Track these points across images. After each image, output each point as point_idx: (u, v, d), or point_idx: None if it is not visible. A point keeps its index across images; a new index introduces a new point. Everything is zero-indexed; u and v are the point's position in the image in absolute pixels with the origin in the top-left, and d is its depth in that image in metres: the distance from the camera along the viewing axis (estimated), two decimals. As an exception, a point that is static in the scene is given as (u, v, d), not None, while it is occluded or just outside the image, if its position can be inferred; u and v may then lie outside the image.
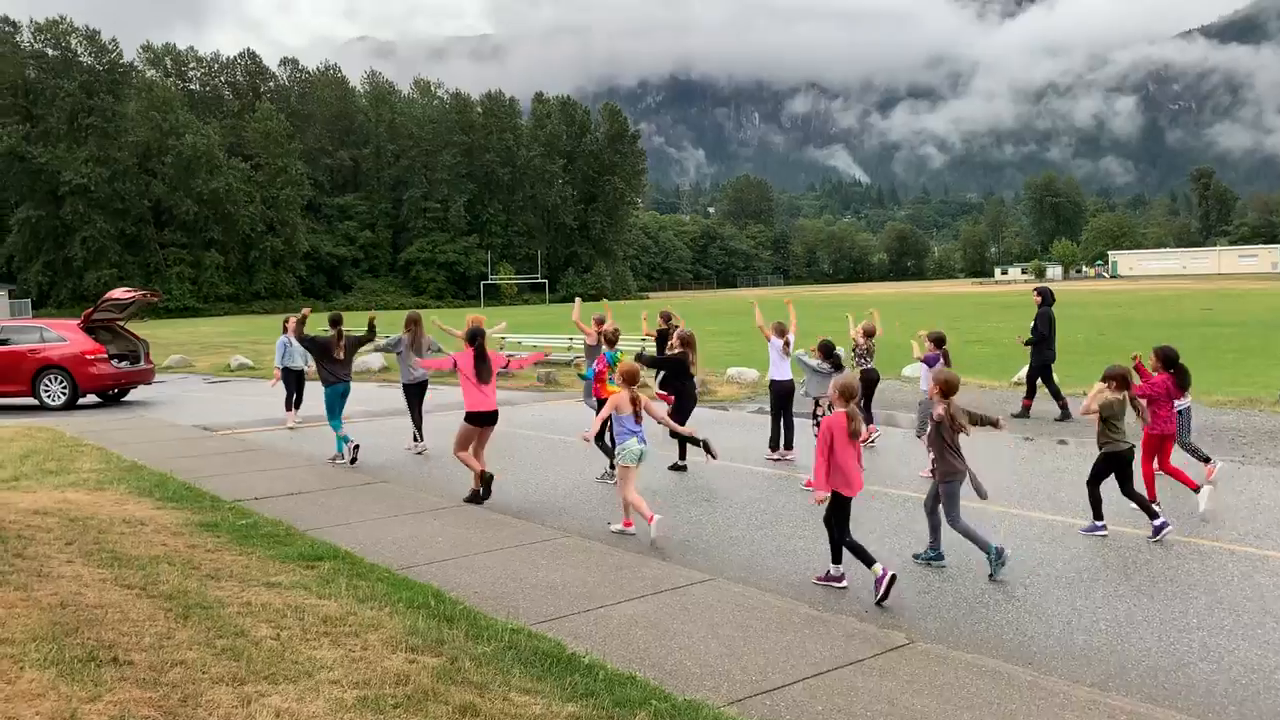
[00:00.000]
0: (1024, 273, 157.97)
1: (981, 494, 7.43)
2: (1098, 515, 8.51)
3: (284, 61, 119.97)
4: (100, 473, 11.33)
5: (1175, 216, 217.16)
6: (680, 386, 11.59)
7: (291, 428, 15.96)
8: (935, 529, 7.77)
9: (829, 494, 7.07)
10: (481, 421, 10.18)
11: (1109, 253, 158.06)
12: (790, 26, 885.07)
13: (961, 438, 7.59)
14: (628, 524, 8.86)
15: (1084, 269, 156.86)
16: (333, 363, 12.79)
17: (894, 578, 6.82)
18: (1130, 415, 8.70)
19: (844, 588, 7.19)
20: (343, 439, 12.67)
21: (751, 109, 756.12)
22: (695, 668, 5.44)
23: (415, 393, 13.65)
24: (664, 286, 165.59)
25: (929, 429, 7.71)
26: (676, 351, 11.81)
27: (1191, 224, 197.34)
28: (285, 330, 16.27)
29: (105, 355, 20.21)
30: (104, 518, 8.58)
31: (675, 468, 11.71)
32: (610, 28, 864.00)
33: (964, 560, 7.79)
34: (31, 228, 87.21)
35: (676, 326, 13.70)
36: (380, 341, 14.91)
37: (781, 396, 12.18)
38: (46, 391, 19.84)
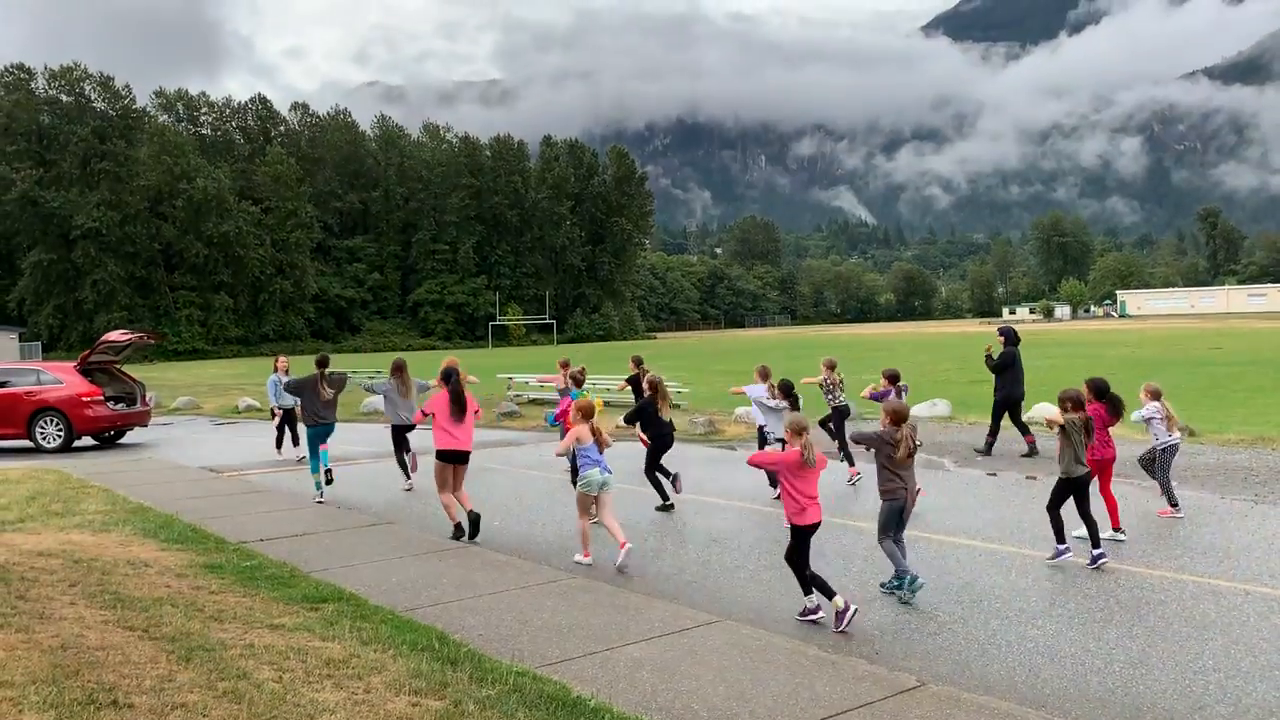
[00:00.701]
0: (1032, 312, 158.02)
1: (905, 517, 7.92)
2: (1060, 539, 8.77)
3: (294, 106, 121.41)
4: (106, 514, 11.29)
5: (1183, 256, 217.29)
6: (653, 430, 11.79)
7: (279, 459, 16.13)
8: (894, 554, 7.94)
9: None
10: (452, 460, 10.37)
11: (1117, 292, 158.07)
12: (797, 70, 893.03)
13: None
14: (623, 545, 8.99)
15: (1092, 308, 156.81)
16: (316, 403, 12.77)
17: (855, 611, 7.09)
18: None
19: (820, 618, 7.28)
20: (318, 484, 12.67)
21: (758, 151, 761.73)
22: (703, 711, 5.36)
23: (401, 434, 13.88)
24: (671, 327, 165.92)
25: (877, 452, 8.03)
26: (645, 398, 12.05)
27: (1199, 263, 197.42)
28: (276, 369, 16.84)
29: (101, 397, 20.18)
30: (108, 559, 8.53)
31: (662, 508, 11.69)
32: (618, 72, 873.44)
33: (974, 601, 7.70)
34: (43, 271, 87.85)
35: (646, 372, 13.96)
36: (367, 383, 15.25)
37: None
38: (42, 434, 19.76)
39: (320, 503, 12.52)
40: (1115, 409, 9.69)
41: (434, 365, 14.09)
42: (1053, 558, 8.74)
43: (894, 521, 7.85)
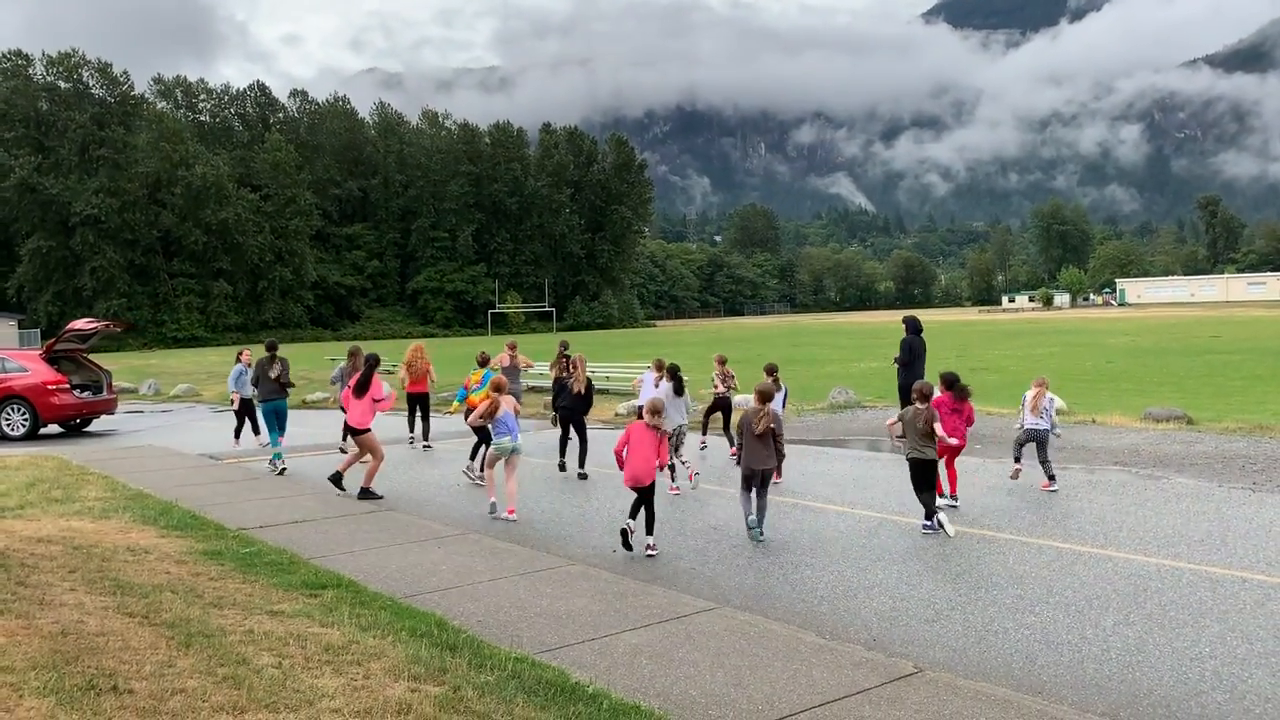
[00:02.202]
0: (1031, 300, 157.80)
1: (762, 482, 9.49)
2: (930, 515, 9.59)
3: (293, 93, 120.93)
4: (105, 501, 11.31)
5: (1182, 244, 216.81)
6: (559, 403, 13.90)
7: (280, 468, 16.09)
8: (758, 508, 9.52)
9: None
10: (351, 431, 12.33)
11: (1116, 280, 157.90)
12: (796, 57, 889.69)
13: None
14: (511, 510, 10.72)
15: (1092, 296, 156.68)
16: (267, 382, 14.52)
17: (653, 549, 9.05)
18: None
19: (655, 554, 8.99)
20: (277, 454, 14.35)
21: (757, 139, 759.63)
22: (700, 697, 5.38)
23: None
24: (671, 315, 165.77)
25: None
26: (557, 376, 14.26)
27: (1199, 251, 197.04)
28: (239, 359, 17.50)
29: (67, 385, 20.25)
30: (108, 546, 8.55)
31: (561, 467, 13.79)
32: (616, 59, 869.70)
33: (973, 589, 7.73)
34: (42, 258, 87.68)
35: (568, 356, 15.09)
36: (333, 373, 16.99)
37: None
38: (7, 422, 19.80)
39: (283, 472, 14.05)
40: (960, 394, 10.65)
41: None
42: (939, 527, 9.46)
43: (749, 483, 9.48)
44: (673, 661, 5.93)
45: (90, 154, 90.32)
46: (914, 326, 16.42)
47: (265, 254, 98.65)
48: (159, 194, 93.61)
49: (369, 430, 12.14)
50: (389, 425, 18.45)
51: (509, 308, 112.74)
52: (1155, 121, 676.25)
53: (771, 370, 12.82)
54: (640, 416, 9.46)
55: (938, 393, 10.42)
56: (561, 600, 7.27)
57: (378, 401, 12.16)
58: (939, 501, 9.89)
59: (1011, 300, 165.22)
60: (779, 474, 11.86)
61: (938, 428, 9.73)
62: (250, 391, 16.54)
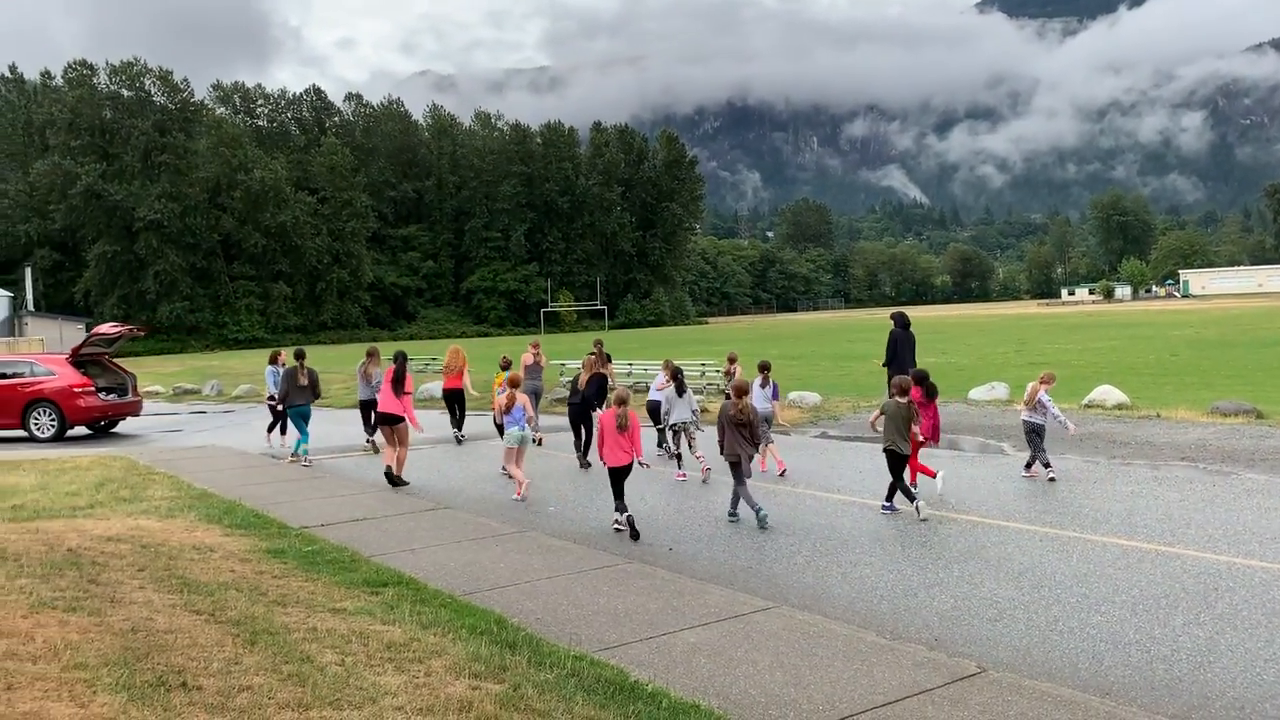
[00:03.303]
0: (1091, 293, 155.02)
1: (747, 473, 10.20)
2: (909, 496, 10.16)
3: (349, 97, 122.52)
4: (171, 500, 11.55)
5: (1249, 234, 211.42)
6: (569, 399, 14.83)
7: (274, 455, 16.69)
8: (738, 497, 10.22)
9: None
10: (385, 421, 13.33)
11: (1180, 272, 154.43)
12: (848, 50, 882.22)
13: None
14: (520, 491, 11.73)
15: (1154, 288, 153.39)
16: (295, 390, 15.32)
17: (631, 523, 9.75)
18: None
19: (622, 529, 9.81)
20: (305, 450, 15.31)
21: (810, 133, 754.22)
22: (760, 696, 5.35)
23: (367, 408, 16.62)
24: (723, 311, 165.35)
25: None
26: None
27: (1266, 241, 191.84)
28: (273, 362, 18.04)
29: (93, 388, 20.78)
30: (174, 544, 8.73)
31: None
32: (666, 56, 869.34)
33: (1036, 587, 7.60)
34: (107, 263, 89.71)
35: (601, 355, 16.04)
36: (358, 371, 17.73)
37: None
38: (36, 424, 20.37)
39: (307, 465, 14.95)
40: (929, 392, 11.39)
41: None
42: (917, 512, 10.07)
43: (738, 470, 10.13)
44: (731, 660, 5.90)
45: (152, 160, 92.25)
46: (901, 322, 16.67)
47: (323, 256, 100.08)
48: (219, 198, 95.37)
49: (403, 419, 13.29)
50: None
51: (561, 306, 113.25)
52: (1219, 108, 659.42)
53: (764, 367, 13.55)
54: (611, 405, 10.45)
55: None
56: (619, 598, 7.28)
57: (409, 394, 13.44)
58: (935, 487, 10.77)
59: (1071, 293, 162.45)
60: (764, 463, 13.07)
61: (915, 427, 10.36)
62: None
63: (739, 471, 10.15)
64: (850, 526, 9.91)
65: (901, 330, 16.41)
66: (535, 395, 17.48)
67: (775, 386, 13.59)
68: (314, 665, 5.36)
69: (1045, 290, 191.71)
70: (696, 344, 54.01)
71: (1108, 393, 18.42)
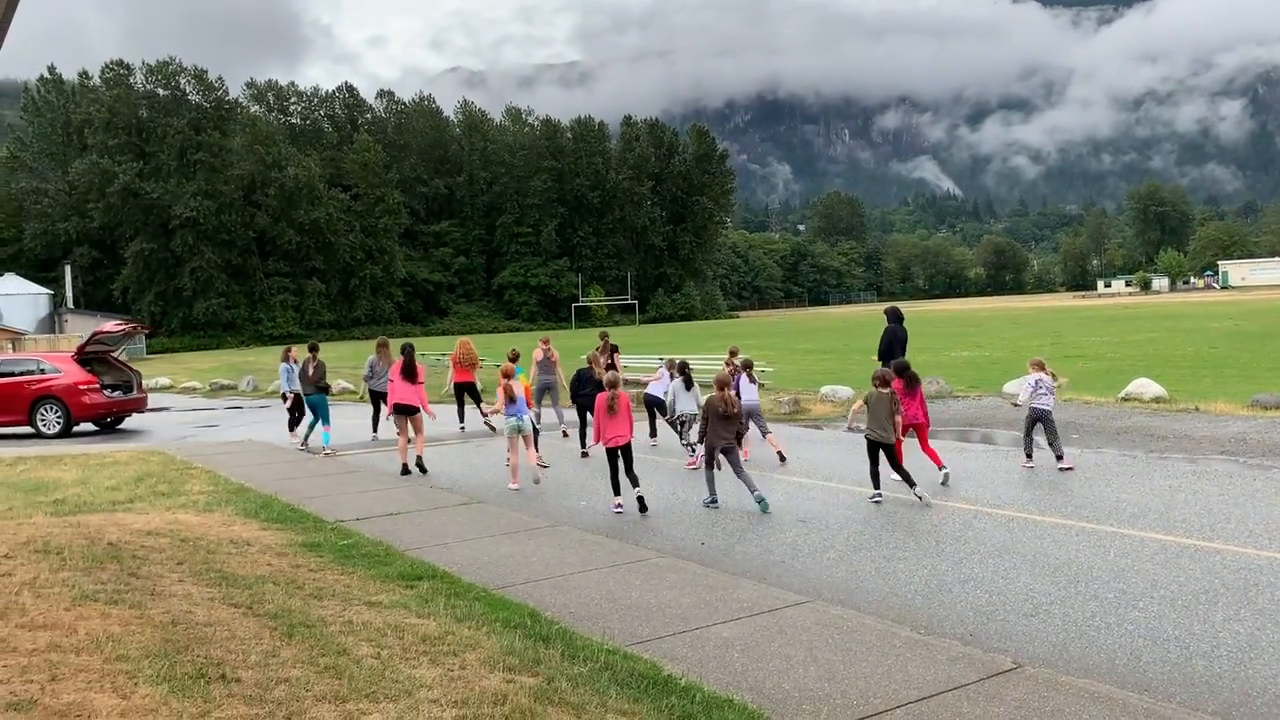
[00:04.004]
0: (1128, 285, 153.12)
1: (733, 458, 10.69)
2: (876, 485, 10.73)
3: (380, 94, 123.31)
4: (209, 495, 11.69)
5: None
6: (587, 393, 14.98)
7: (301, 448, 16.93)
8: (745, 481, 10.64)
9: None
10: (400, 411, 13.91)
11: (1219, 263, 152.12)
12: (879, 42, 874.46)
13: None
14: (538, 472, 12.43)
15: (1192, 280, 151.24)
16: (305, 380, 16.39)
17: (641, 501, 10.62)
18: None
19: (620, 510, 10.63)
20: (325, 434, 16.10)
21: (841, 125, 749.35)
22: (794, 691, 5.35)
23: (378, 397, 17.35)
24: (754, 305, 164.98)
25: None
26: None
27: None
28: (286, 359, 18.49)
29: (97, 385, 21.24)
30: (212, 538, 8.84)
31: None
32: (696, 50, 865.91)
33: (1072, 582, 7.52)
34: (145, 260, 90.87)
35: (607, 348, 17.06)
36: (364, 371, 18.79)
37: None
38: (43, 420, 20.84)
39: (327, 453, 15.71)
40: (910, 383, 11.64)
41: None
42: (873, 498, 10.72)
43: (712, 460, 10.78)
44: (765, 655, 5.90)
45: (188, 158, 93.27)
46: (894, 316, 16.88)
47: (356, 252, 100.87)
48: (254, 195, 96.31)
49: (419, 410, 13.94)
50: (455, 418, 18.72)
51: (592, 301, 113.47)
52: (1259, 96, 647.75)
53: (747, 365, 14.36)
54: (603, 387, 11.21)
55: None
56: (651, 592, 7.29)
57: (420, 383, 14.17)
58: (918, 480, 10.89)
59: (1108, 285, 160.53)
60: (746, 452, 13.37)
61: (898, 419, 10.78)
62: (299, 386, 17.54)
63: (734, 458, 10.69)
64: (883, 521, 9.86)
65: (895, 325, 16.61)
66: (549, 390, 17.75)
67: (757, 383, 14.58)
68: (350, 658, 5.41)
69: (1080, 283, 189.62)
70: (727, 338, 53.94)
71: (1145, 386, 18.19)
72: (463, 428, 18.46)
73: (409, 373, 13.93)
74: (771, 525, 9.89)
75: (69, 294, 75.57)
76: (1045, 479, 11.72)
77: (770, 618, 6.62)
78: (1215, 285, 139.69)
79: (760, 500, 10.43)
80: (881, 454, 10.70)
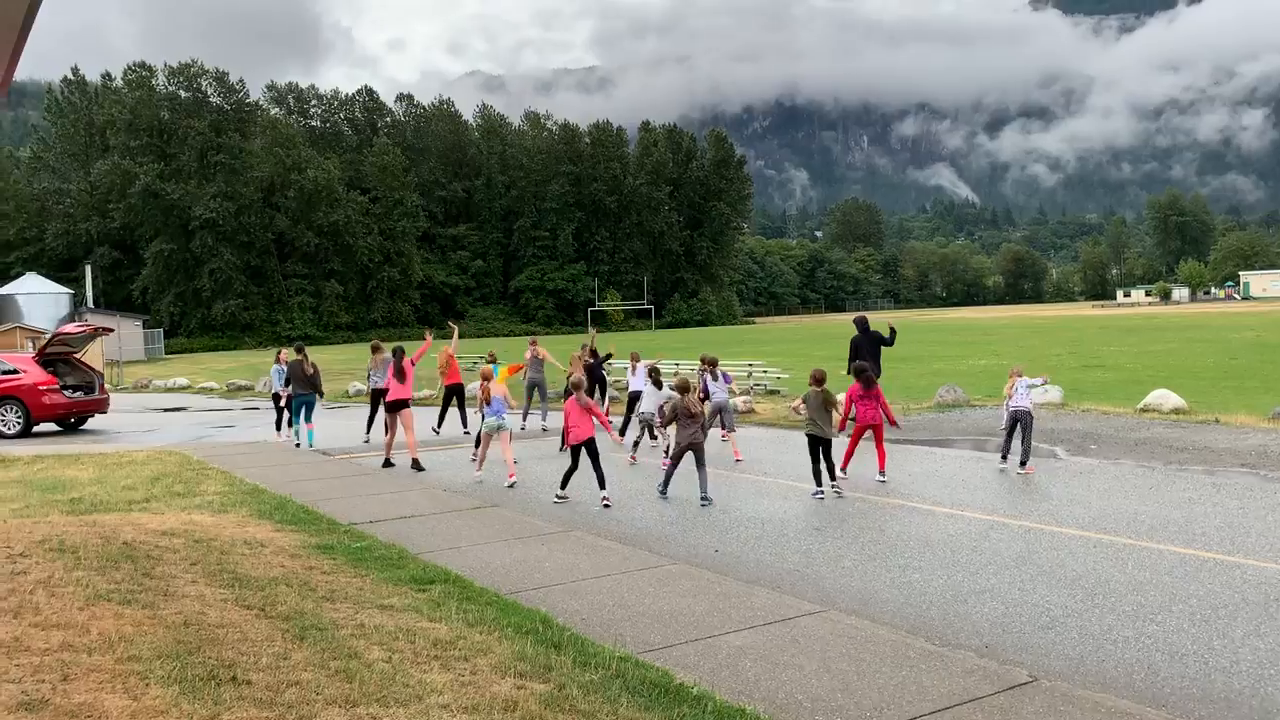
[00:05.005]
0: (1148, 294, 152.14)
1: (698, 455, 11.43)
2: (817, 480, 11.55)
3: (400, 97, 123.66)
4: (224, 495, 11.72)
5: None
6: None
7: (298, 444, 17.60)
8: (700, 479, 11.45)
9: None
10: (393, 408, 14.96)
11: (1240, 273, 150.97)
12: (898, 48, 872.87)
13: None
14: (511, 475, 12.91)
15: (1213, 290, 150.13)
16: (298, 380, 17.33)
17: (607, 505, 11.28)
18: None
19: (565, 499, 11.66)
20: (310, 432, 17.34)
21: (860, 132, 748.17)
22: (807, 701, 5.30)
23: (377, 398, 17.71)
24: (770, 311, 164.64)
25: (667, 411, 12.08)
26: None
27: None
28: (278, 360, 19.20)
29: (57, 386, 21.52)
30: (226, 539, 8.85)
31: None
32: (715, 56, 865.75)
33: (1089, 595, 7.45)
34: (164, 261, 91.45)
35: (589, 352, 18.00)
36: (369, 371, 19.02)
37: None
38: (3, 420, 21.10)
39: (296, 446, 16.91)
40: (866, 384, 12.36)
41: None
42: (814, 494, 11.56)
43: (680, 455, 11.62)
44: (778, 664, 5.86)
45: (208, 160, 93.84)
46: (861, 325, 17.73)
47: (374, 255, 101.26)
48: (273, 197, 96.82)
49: (408, 405, 14.91)
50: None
51: (608, 305, 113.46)
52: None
53: (712, 364, 15.26)
54: (569, 393, 12.03)
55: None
56: (664, 599, 7.25)
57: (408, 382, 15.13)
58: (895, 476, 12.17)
59: (1127, 295, 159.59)
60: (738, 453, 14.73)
61: (834, 414, 11.95)
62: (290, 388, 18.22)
63: (700, 456, 11.42)
64: (899, 531, 9.79)
65: (861, 334, 17.45)
66: (537, 388, 19.55)
67: (726, 376, 15.71)
68: (361, 662, 5.40)
69: (1100, 292, 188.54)
70: (744, 344, 53.83)
71: (1164, 397, 18.04)
72: (466, 431, 18.60)
73: (399, 374, 14.92)
74: (786, 533, 9.84)
75: (89, 294, 75.97)
76: (1064, 491, 11.62)
77: (784, 627, 6.57)
78: (1236, 296, 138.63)
79: (705, 500, 11.28)
80: (823, 448, 11.57)
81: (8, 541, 7.94)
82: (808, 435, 11.69)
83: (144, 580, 6.94)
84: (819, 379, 11.86)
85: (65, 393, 21.78)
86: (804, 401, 11.83)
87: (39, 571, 6.96)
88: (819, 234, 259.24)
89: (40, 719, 4.23)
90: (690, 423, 11.43)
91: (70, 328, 23.59)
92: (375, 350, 18.11)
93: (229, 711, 4.48)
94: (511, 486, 12.69)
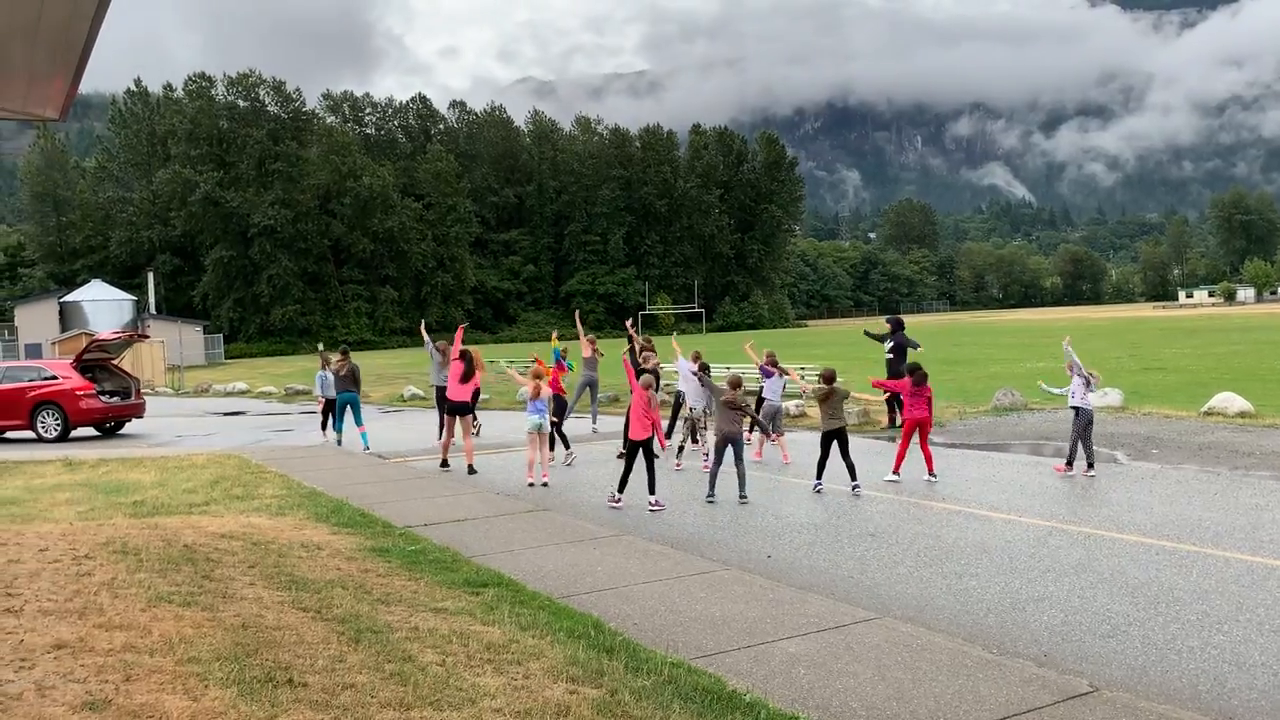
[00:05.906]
0: (1211, 295, 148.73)
1: (737, 450, 11.57)
2: (818, 477, 12.17)
3: (453, 104, 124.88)
4: (281, 499, 11.89)
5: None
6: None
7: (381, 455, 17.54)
8: (738, 475, 11.62)
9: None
10: (454, 411, 15.11)
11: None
12: (952, 48, 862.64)
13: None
14: (545, 475, 13.34)
15: (1279, 291, 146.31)
16: (339, 380, 17.93)
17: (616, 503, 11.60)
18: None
19: (619, 507, 11.45)
20: (363, 434, 17.66)
21: (913, 132, 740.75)
22: (861, 710, 5.24)
23: (442, 394, 17.38)
24: (823, 314, 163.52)
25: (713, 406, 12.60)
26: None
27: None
28: (323, 366, 19.42)
29: (94, 392, 22.09)
30: (284, 542, 8.98)
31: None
32: (766, 58, 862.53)
33: (1152, 603, 7.28)
34: (224, 267, 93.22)
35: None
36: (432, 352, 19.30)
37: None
38: (42, 425, 21.69)
39: (369, 453, 16.95)
40: (918, 379, 12.59)
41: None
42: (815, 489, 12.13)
43: (721, 449, 11.71)
44: (832, 672, 5.80)
45: (266, 168, 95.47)
46: (896, 325, 18.50)
47: (428, 260, 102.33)
48: (329, 204, 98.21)
49: (471, 409, 15.27)
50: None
51: (659, 309, 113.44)
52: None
53: (774, 360, 15.37)
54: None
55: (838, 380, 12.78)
56: (716, 605, 7.22)
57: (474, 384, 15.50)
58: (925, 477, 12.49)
59: (1189, 295, 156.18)
60: (760, 453, 15.23)
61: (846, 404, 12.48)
62: (333, 393, 18.59)
63: (739, 451, 11.59)
64: (955, 536, 9.66)
65: (897, 333, 18.22)
66: (590, 386, 19.78)
67: (786, 372, 15.69)
68: (415, 665, 5.44)
69: (1161, 293, 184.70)
70: (798, 347, 53.51)
71: (1229, 400, 17.60)
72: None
73: (466, 375, 15.11)
74: (840, 539, 9.75)
75: (151, 300, 77.69)
76: (1124, 496, 11.38)
77: (838, 634, 6.51)
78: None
79: (743, 499, 11.52)
80: (835, 444, 11.94)
81: (74, 544, 8.14)
82: (825, 432, 12.07)
83: (204, 582, 7.06)
84: (829, 378, 12.23)
85: (102, 398, 22.39)
86: (820, 400, 12.17)
87: (103, 573, 7.12)
88: (872, 235, 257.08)
89: (103, 719, 4.32)
90: (734, 415, 11.58)
91: (107, 334, 24.29)
92: (441, 351, 18.50)
93: (285, 714, 4.54)
94: (535, 486, 13.12)
